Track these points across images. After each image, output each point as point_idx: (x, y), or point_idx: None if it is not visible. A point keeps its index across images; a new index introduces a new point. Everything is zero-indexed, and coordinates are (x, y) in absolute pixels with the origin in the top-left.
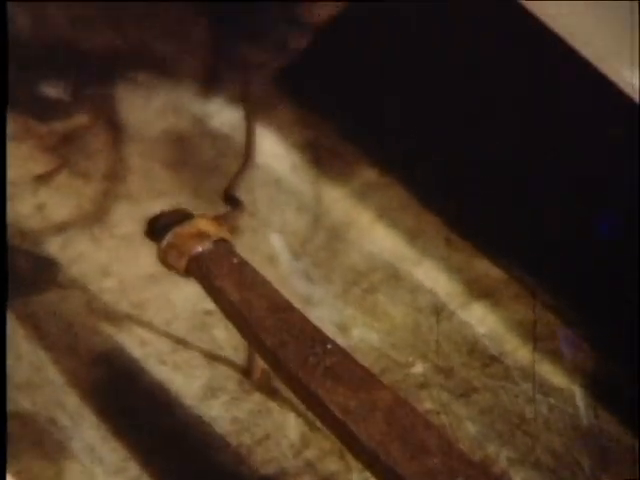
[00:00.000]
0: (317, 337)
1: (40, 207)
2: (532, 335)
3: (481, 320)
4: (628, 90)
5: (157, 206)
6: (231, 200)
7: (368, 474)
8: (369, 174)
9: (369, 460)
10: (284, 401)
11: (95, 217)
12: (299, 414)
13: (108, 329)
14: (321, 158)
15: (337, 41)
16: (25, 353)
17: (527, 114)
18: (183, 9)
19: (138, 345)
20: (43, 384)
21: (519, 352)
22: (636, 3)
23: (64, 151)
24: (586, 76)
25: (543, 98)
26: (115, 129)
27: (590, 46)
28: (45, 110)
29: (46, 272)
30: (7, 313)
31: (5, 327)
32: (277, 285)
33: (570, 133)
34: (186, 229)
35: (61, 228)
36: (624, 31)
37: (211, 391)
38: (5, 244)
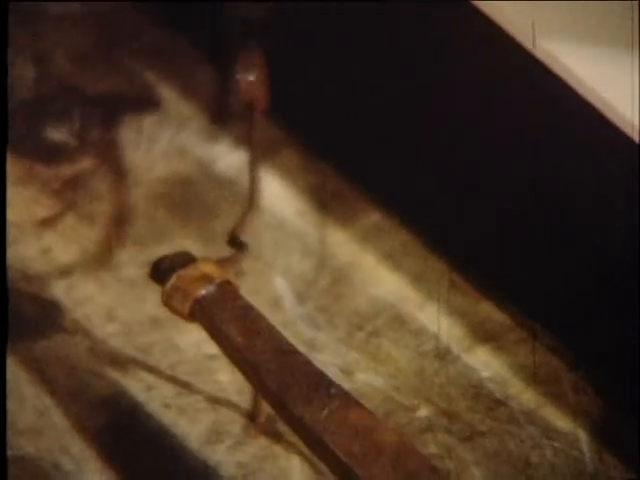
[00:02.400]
0: (321, 381)
1: (45, 251)
2: (536, 378)
3: (485, 364)
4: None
5: (162, 249)
6: (235, 243)
7: None
8: (373, 217)
9: None
10: (289, 445)
11: (100, 260)
12: (304, 458)
13: (112, 373)
14: (326, 201)
15: (343, 86)
16: (29, 397)
17: (529, 156)
18: (187, 51)
19: (142, 389)
20: (47, 429)
21: (524, 395)
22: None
23: (69, 195)
24: (584, 114)
25: (544, 140)
26: (120, 173)
27: (590, 84)
28: (50, 154)
29: (51, 316)
30: (10, 357)
31: (5, 371)
32: (281, 329)
33: (572, 176)
34: (190, 272)
35: (66, 272)
36: (624, 72)
37: (216, 435)
38: (5, 287)
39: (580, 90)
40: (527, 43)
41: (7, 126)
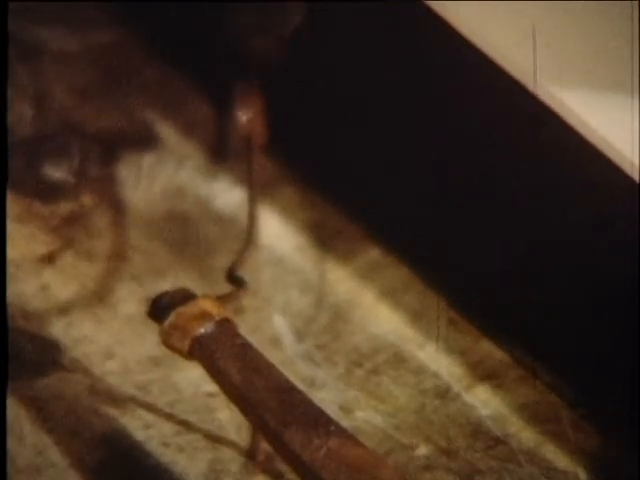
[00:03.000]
0: (320, 419)
1: (44, 288)
2: (536, 417)
3: (485, 402)
4: (627, 168)
5: (160, 286)
6: (234, 280)
7: None
8: (373, 254)
9: None
10: None
11: (99, 297)
12: None
13: (111, 411)
14: (325, 238)
15: (342, 122)
16: (28, 435)
17: (529, 194)
18: (187, 88)
19: (141, 427)
20: (46, 466)
21: (523, 434)
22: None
23: (68, 232)
24: (585, 153)
25: (544, 177)
26: (119, 210)
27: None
28: (48, 191)
29: (49, 354)
30: (10, 395)
31: (5, 409)
32: (280, 366)
33: (572, 214)
34: (189, 309)
35: (65, 309)
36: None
37: (215, 473)
38: (6, 325)
39: (579, 128)
40: (528, 81)
41: (7, 163)
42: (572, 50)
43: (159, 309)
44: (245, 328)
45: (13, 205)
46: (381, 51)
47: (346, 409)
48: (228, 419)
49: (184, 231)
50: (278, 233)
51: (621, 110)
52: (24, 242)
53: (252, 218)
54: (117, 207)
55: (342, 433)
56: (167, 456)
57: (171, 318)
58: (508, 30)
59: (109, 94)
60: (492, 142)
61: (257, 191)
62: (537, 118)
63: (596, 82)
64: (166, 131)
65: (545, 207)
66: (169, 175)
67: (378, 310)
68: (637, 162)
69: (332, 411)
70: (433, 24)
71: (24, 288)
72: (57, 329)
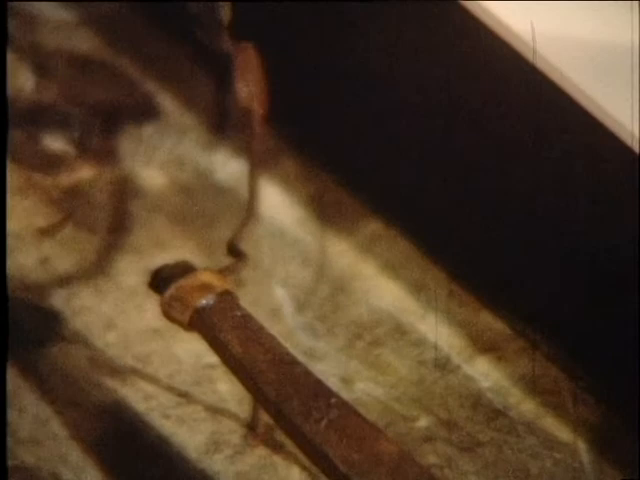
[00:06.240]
0: (321, 391)
1: (44, 260)
2: (536, 389)
3: (485, 374)
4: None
5: (161, 259)
6: (235, 252)
7: None
8: (373, 226)
9: None
10: (288, 455)
11: (99, 270)
12: (303, 468)
13: (111, 383)
14: (325, 210)
15: (343, 94)
16: (28, 407)
17: (529, 166)
18: (188, 60)
19: (141, 399)
20: (46, 438)
21: (523, 406)
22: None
23: (68, 204)
24: (583, 124)
25: (544, 148)
26: (119, 182)
27: (588, 93)
28: (49, 163)
29: (50, 325)
30: (10, 367)
31: (5, 381)
32: (281, 338)
33: (572, 185)
34: (190, 282)
35: (65, 281)
36: (623, 78)
37: (215, 445)
38: (6, 296)
39: (579, 99)
40: (527, 53)
41: (7, 135)
42: (572, 20)
43: (160, 281)
44: (245, 300)
45: (13, 177)
46: (381, 16)
47: (346, 381)
48: (228, 391)
49: (184, 203)
50: (279, 205)
51: (621, 80)
52: (24, 214)
53: (253, 190)
54: (117, 179)
55: (342, 405)
56: (167, 427)
57: (172, 290)
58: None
59: (110, 66)
60: (491, 110)
61: (258, 163)
62: (536, 88)
63: (596, 52)
64: (167, 103)
65: (545, 178)
66: (170, 147)
67: (379, 282)
68: (637, 133)
69: (332, 383)
70: None
71: (24, 260)
72: (57, 301)
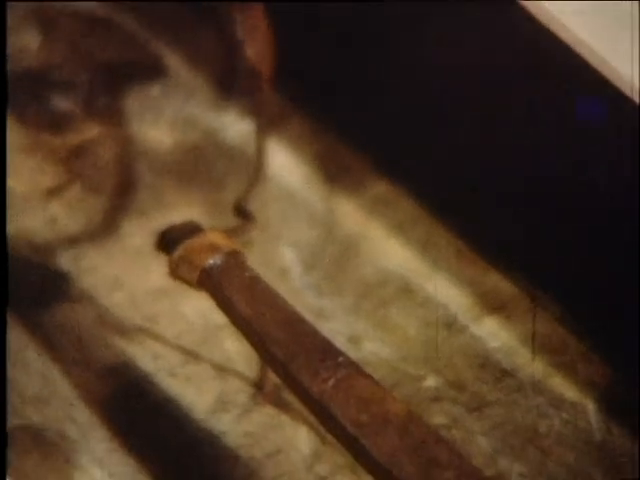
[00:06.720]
0: (328, 350)
1: (51, 220)
2: (544, 348)
3: (493, 334)
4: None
5: (168, 219)
6: (242, 213)
7: None
8: (381, 187)
9: (381, 475)
10: (296, 414)
11: (106, 230)
12: (311, 428)
13: (119, 342)
14: (333, 171)
15: (350, 54)
16: (35, 366)
17: (533, 121)
18: (196, 19)
19: (149, 358)
20: (53, 397)
21: (531, 366)
22: (636, 3)
23: (75, 164)
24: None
25: (547, 106)
26: (126, 142)
27: (588, 44)
28: (56, 123)
29: (57, 285)
30: (17, 326)
31: (5, 336)
32: (288, 298)
33: (577, 142)
34: (197, 242)
35: (72, 241)
36: (623, 30)
37: (222, 404)
38: (5, 253)
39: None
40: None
41: (6, 91)
42: None
43: (168, 241)
44: (253, 261)
45: (19, 136)
46: None
47: (354, 341)
48: (236, 350)
49: (191, 164)
50: (286, 166)
51: (622, 32)
52: (31, 175)
53: (260, 151)
54: (124, 139)
55: (350, 365)
56: (174, 387)
57: (179, 250)
58: None
59: (117, 25)
60: (493, 69)
61: (265, 124)
62: (537, 40)
63: (598, 5)
64: (174, 63)
65: (546, 133)
66: (177, 107)
67: (386, 242)
68: (637, 84)
69: (340, 343)
70: None
71: (31, 221)
72: (64, 261)
